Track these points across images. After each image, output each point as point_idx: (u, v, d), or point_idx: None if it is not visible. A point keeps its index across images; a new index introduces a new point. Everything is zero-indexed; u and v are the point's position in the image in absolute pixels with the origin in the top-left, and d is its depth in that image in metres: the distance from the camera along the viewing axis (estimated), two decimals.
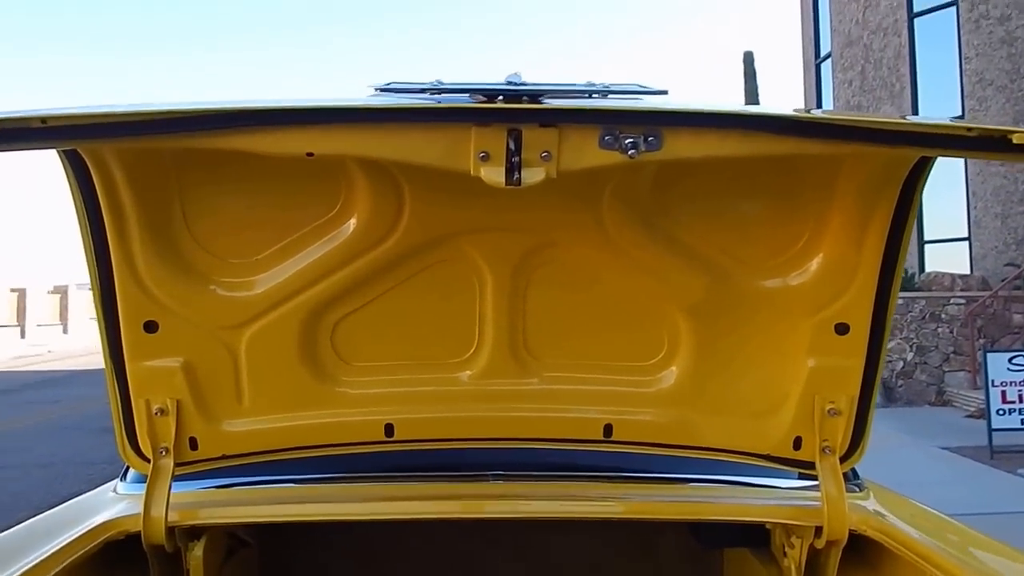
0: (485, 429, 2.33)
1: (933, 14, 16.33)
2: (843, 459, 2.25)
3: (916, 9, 16.57)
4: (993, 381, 9.41)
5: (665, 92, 1.83)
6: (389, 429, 2.28)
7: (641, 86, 1.82)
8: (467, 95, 1.69)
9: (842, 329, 2.16)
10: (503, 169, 1.65)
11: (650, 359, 2.32)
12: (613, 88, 1.76)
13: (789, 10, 24.76)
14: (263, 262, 2.13)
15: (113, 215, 1.97)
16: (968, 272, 15.00)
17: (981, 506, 6.36)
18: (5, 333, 33.52)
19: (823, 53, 20.21)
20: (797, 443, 2.26)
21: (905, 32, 16.68)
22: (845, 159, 1.96)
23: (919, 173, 2.00)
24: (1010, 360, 9.54)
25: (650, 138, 1.64)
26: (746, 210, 2.18)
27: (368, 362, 2.30)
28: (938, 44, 16.23)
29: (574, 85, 1.77)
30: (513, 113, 1.64)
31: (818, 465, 2.22)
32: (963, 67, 15.66)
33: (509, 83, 1.67)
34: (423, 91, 1.74)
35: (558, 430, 2.34)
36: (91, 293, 2.11)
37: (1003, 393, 9.40)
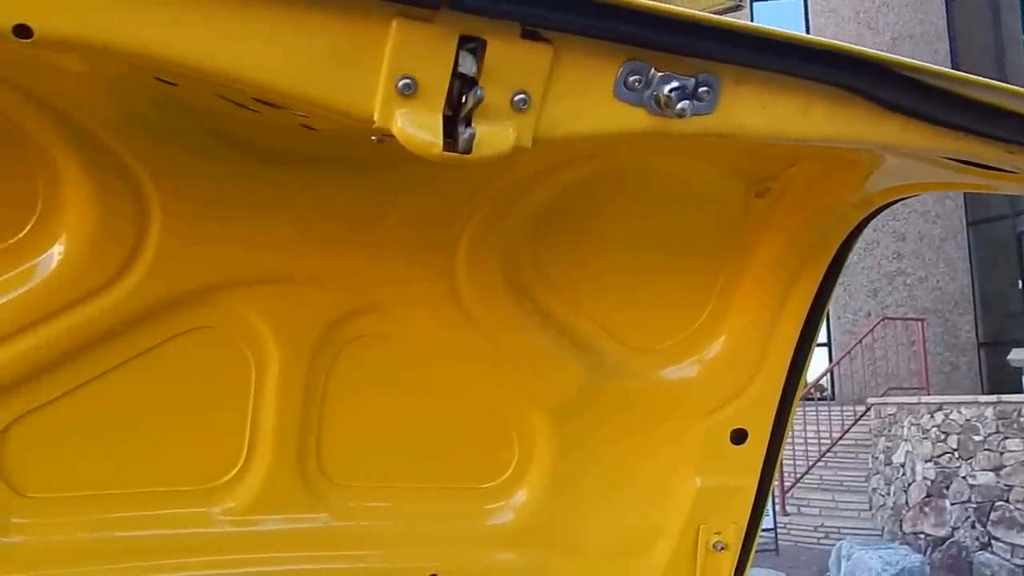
0: None
1: None
2: None
3: None
4: None
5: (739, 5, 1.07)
6: None
7: None
8: None
9: (739, 437, 1.71)
10: (439, 117, 0.90)
11: (493, 479, 1.71)
12: None
13: None
14: None
15: None
16: None
17: None
18: None
19: None
20: None
21: None
22: (788, 194, 1.45)
23: (856, 233, 1.52)
24: None
25: (703, 88, 0.98)
26: (642, 269, 1.59)
27: (58, 492, 1.47)
28: None
29: None
30: (474, 4, 0.86)
31: None
32: None
33: None
34: None
35: None
36: None
37: None
